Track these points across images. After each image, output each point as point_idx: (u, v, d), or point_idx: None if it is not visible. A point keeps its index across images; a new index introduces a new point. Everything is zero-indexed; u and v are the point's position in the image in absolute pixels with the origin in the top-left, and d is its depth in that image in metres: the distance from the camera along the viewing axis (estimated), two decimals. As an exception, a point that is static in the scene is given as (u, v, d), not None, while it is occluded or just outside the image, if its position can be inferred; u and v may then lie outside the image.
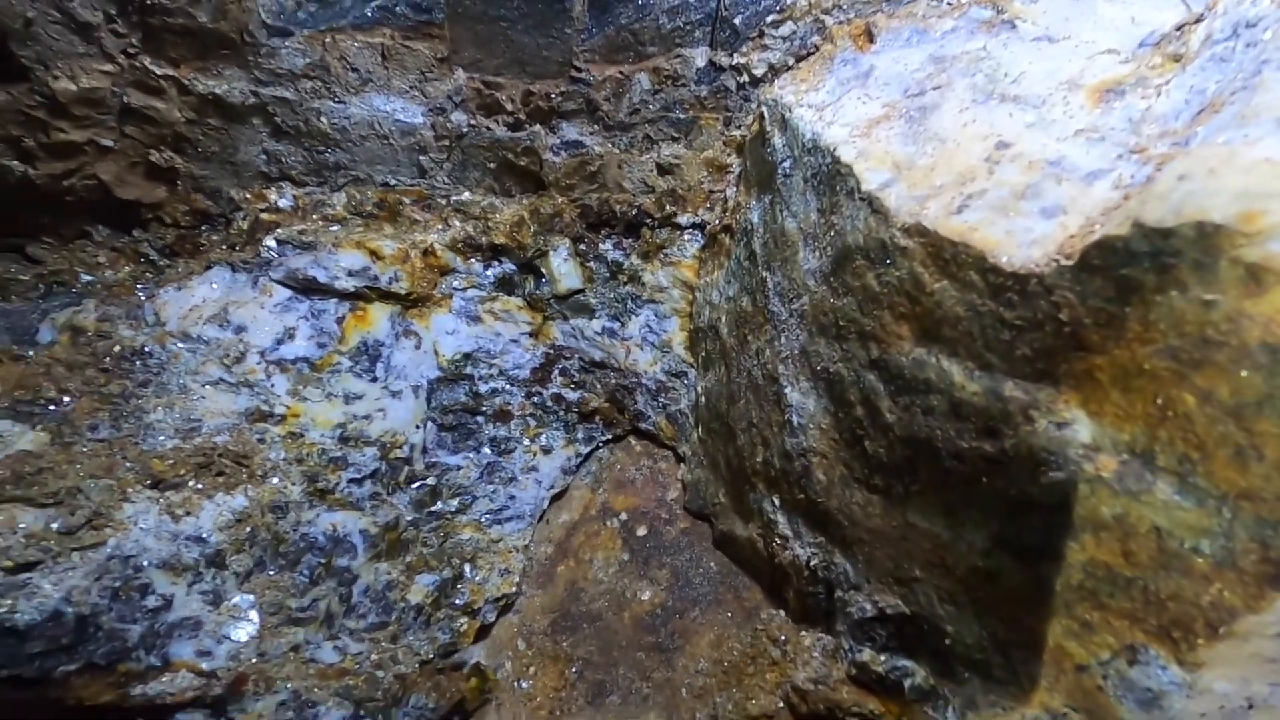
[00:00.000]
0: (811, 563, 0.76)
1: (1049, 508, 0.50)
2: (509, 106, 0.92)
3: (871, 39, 0.74)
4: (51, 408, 0.74)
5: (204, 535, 0.69)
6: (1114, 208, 0.47)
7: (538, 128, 0.93)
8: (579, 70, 0.90)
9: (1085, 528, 0.48)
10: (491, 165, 0.96)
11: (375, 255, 0.88)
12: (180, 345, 0.80)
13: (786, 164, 0.74)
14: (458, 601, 0.89)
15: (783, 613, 0.84)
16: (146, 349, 0.79)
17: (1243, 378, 0.37)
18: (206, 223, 0.98)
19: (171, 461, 0.70)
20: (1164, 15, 0.58)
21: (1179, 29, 0.57)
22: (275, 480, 0.76)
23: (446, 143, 0.94)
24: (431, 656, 0.83)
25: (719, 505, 0.94)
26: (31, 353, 0.78)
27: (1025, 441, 0.50)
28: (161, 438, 0.74)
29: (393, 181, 0.96)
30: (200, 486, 0.71)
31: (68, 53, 0.79)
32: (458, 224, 0.96)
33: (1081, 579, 0.50)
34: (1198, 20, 0.55)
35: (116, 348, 0.79)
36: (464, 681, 0.85)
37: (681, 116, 0.93)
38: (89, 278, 0.92)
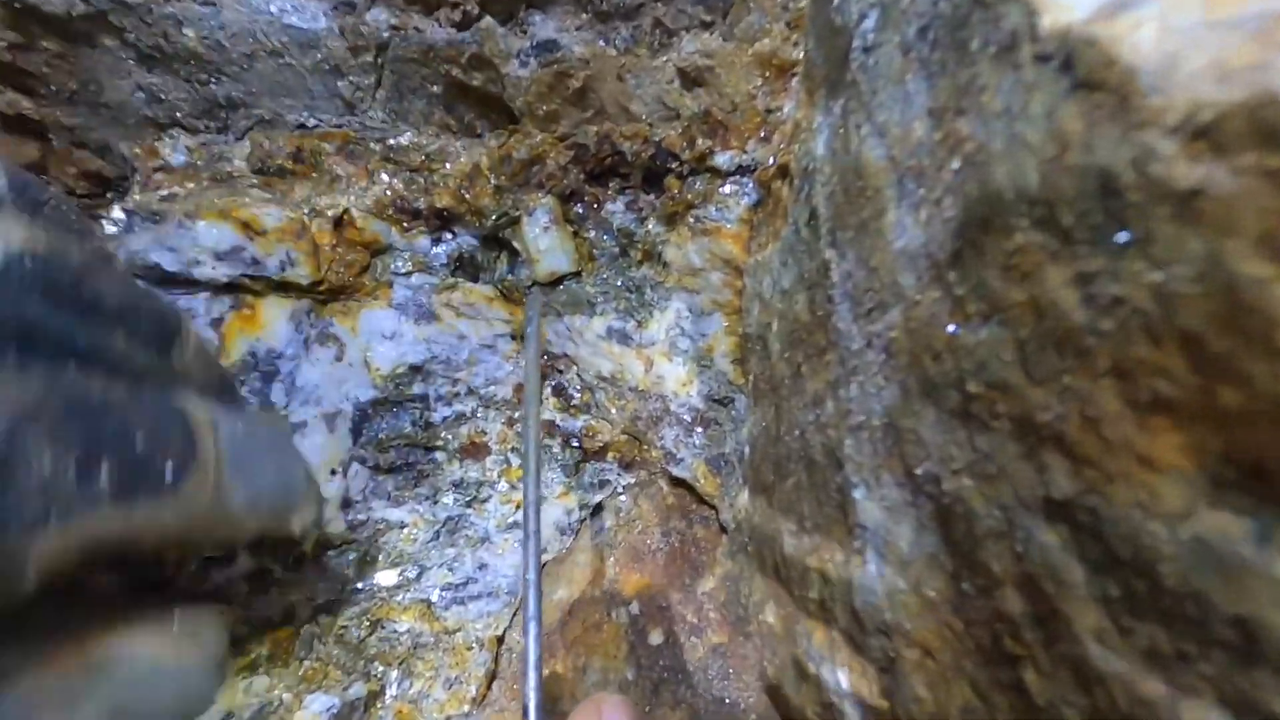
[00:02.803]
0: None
1: None
2: (450, -7, 0.60)
3: None
4: None
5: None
6: None
7: (491, 23, 0.60)
8: (544, -82, 0.55)
9: None
10: (436, 90, 0.65)
11: (251, 229, 0.60)
12: (-11, 361, 0.57)
13: (869, 20, 0.35)
14: (374, 729, 0.62)
15: None
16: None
17: None
18: (110, 189, 0.76)
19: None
20: None
21: None
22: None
23: (369, 58, 0.63)
24: (310, 824, 0.56)
25: (766, 627, 0.58)
26: None
27: None
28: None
29: (311, 122, 0.68)
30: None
31: None
32: (386, 179, 0.66)
33: None
34: None
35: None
36: None
37: (715, -17, 0.55)
38: (-36, 264, 0.73)
